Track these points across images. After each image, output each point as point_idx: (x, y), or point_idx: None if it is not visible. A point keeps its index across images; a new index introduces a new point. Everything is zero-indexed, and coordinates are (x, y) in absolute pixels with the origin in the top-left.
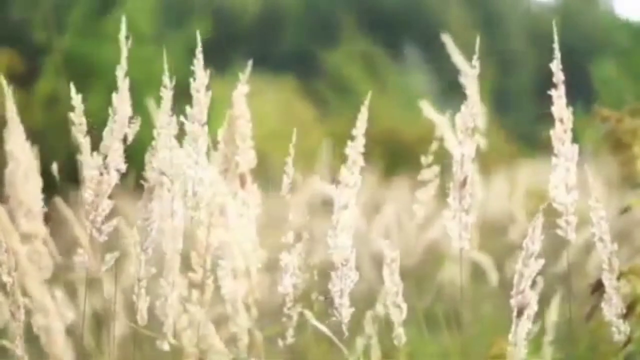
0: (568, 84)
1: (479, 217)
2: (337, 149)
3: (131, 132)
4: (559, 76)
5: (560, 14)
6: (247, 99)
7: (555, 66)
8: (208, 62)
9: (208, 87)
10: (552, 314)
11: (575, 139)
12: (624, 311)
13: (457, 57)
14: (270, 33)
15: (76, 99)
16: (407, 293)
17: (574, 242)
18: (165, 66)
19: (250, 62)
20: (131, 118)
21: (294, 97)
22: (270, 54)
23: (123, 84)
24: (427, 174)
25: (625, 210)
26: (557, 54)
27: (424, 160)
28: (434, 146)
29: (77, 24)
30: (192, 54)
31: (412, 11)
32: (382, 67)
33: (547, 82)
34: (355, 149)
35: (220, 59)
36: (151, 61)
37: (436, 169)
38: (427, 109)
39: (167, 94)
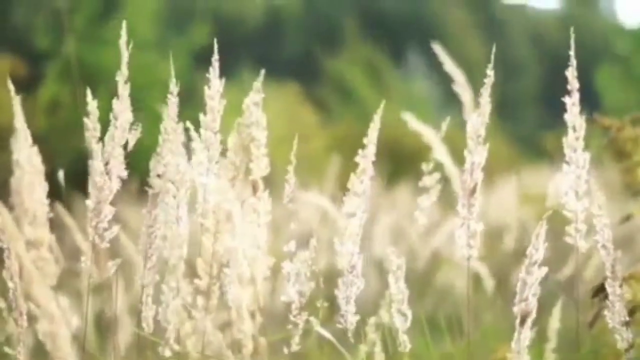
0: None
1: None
2: (340, 154)
3: (132, 138)
4: (573, 84)
5: (562, 20)
6: (256, 106)
7: (570, 73)
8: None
9: (222, 95)
10: (554, 321)
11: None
12: (627, 318)
13: (449, 66)
14: (273, 39)
15: (92, 104)
16: (410, 299)
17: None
18: (172, 72)
19: (262, 71)
20: (132, 124)
21: (296, 103)
22: (272, 60)
23: (123, 89)
24: (428, 180)
25: (627, 218)
26: (573, 61)
27: (424, 167)
28: (434, 153)
29: (80, 30)
30: (193, 59)
31: (415, 17)
32: (385, 73)
33: (549, 87)
34: (365, 157)
35: (223, 65)
36: (154, 67)
37: (437, 175)
38: (412, 122)
39: (172, 101)
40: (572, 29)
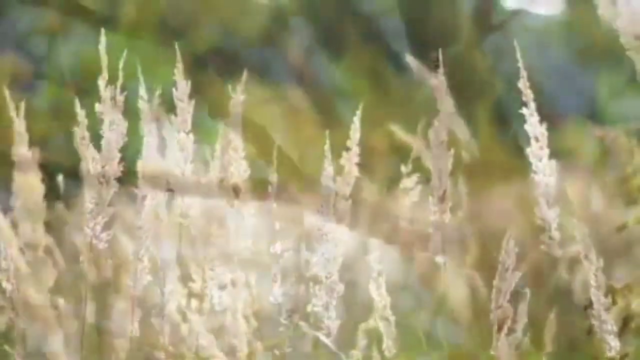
0: (573, 97)
1: (476, 232)
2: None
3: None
4: (527, 94)
5: (565, 27)
6: (250, 109)
7: (523, 84)
8: (216, 71)
9: (191, 96)
10: (551, 327)
11: (578, 154)
12: (614, 327)
13: (422, 74)
14: (275, 43)
15: (80, 114)
16: (407, 305)
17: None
18: (141, 77)
19: (245, 72)
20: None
21: (297, 107)
22: (274, 64)
23: (105, 92)
24: (407, 182)
25: (621, 228)
26: (523, 72)
27: (403, 168)
28: (414, 154)
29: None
30: (197, 61)
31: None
32: (387, 77)
33: None
34: (349, 160)
35: (228, 68)
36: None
37: (416, 177)
38: (398, 132)
39: (143, 105)
40: (515, 41)
